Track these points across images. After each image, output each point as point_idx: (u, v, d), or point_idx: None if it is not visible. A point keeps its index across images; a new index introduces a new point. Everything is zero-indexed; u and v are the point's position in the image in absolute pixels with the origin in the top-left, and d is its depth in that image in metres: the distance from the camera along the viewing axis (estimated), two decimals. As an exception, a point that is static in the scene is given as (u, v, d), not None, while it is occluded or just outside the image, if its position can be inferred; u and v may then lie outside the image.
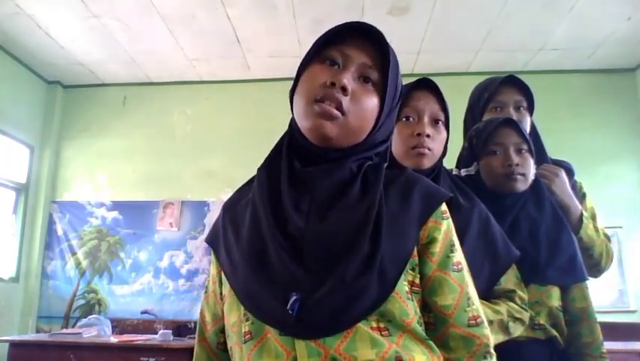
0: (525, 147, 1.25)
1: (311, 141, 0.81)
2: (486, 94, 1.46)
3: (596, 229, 1.42)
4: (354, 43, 0.85)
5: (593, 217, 1.47)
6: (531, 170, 1.26)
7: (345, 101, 0.78)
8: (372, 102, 0.81)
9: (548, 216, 1.26)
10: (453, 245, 0.82)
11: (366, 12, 3.85)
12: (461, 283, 0.80)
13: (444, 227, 0.82)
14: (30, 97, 4.78)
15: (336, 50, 0.84)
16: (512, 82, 1.46)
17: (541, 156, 1.45)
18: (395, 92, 0.86)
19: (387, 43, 0.84)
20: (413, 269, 0.79)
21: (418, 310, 0.78)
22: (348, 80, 0.79)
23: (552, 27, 4.04)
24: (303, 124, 0.81)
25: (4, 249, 4.47)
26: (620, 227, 4.27)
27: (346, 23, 0.87)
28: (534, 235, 1.22)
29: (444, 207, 0.83)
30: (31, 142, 4.77)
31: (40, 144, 4.86)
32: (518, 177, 1.22)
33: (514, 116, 1.41)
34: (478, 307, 0.81)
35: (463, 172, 1.29)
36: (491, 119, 1.30)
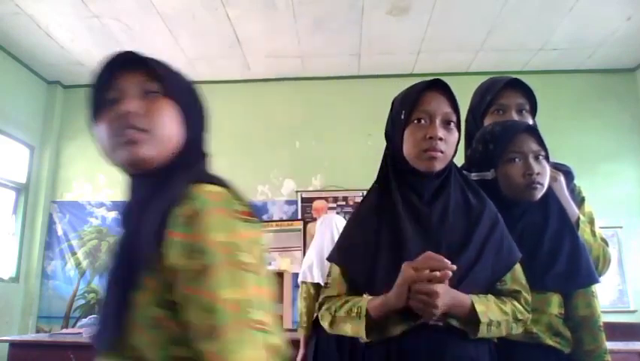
0: (543, 153, 1.25)
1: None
2: (488, 96, 1.45)
3: (593, 234, 1.41)
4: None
5: (591, 222, 1.46)
6: (548, 177, 1.26)
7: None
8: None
9: (554, 222, 1.25)
10: None
11: (366, 12, 3.85)
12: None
13: None
14: (30, 97, 4.78)
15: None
16: (515, 85, 1.44)
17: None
18: None
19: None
20: None
21: None
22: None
23: (552, 27, 4.04)
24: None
25: (4, 249, 4.47)
26: (620, 227, 4.27)
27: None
28: (538, 242, 1.22)
29: None
30: (31, 142, 4.77)
31: (40, 144, 4.86)
32: (538, 186, 1.22)
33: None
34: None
35: (474, 176, 1.28)
36: (509, 125, 1.30)
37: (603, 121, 4.56)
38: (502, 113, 1.43)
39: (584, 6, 3.73)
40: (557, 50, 4.38)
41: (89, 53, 4.48)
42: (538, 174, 1.22)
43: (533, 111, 1.46)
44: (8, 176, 4.51)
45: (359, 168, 4.63)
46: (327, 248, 2.93)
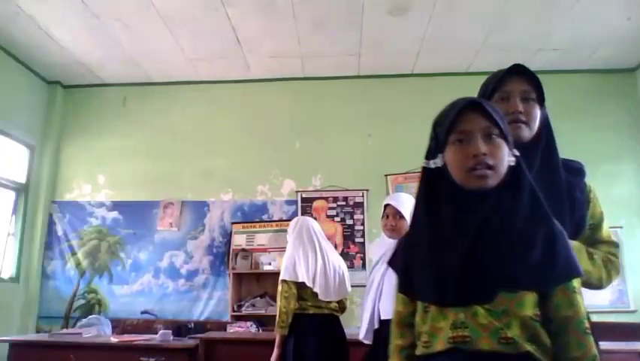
0: (495, 131, 1.06)
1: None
2: (491, 84, 1.37)
3: (591, 257, 1.32)
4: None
5: (599, 224, 1.40)
6: (504, 158, 1.06)
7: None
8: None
9: (525, 208, 1.05)
10: None
11: (367, 12, 3.85)
12: None
13: None
14: (30, 97, 4.78)
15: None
16: (519, 71, 1.35)
17: (552, 155, 1.37)
18: None
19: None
20: None
21: None
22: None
23: (552, 27, 4.04)
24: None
25: (4, 249, 4.47)
26: (620, 227, 4.27)
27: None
28: (505, 232, 1.03)
29: None
30: (31, 142, 4.77)
31: (40, 144, 4.86)
32: (487, 171, 1.04)
33: (521, 108, 1.31)
34: None
35: (433, 164, 1.12)
36: (453, 103, 1.12)
37: (603, 121, 4.56)
38: (506, 100, 1.34)
39: (584, 6, 3.73)
40: (557, 50, 4.37)
41: (89, 53, 4.49)
42: (485, 154, 1.03)
43: (541, 100, 1.36)
44: (8, 176, 4.51)
45: (359, 168, 4.64)
46: (309, 248, 2.97)
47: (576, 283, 1.04)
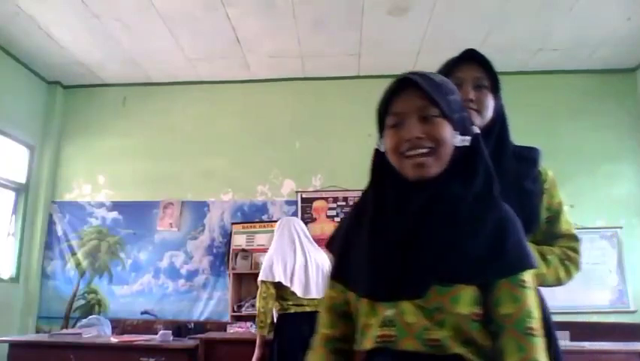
0: (434, 111, 0.91)
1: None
2: (444, 70, 1.32)
3: (544, 258, 1.24)
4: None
5: (557, 216, 1.29)
6: (445, 140, 0.91)
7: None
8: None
9: (475, 194, 0.92)
10: None
11: (366, 12, 3.85)
12: None
13: None
14: (30, 97, 4.78)
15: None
16: (473, 57, 1.30)
17: (504, 145, 1.28)
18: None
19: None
20: None
21: None
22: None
23: (552, 27, 4.04)
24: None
25: (4, 249, 4.47)
26: (620, 227, 4.27)
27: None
28: (447, 222, 0.89)
29: None
30: (31, 142, 4.77)
31: (40, 144, 4.86)
32: (426, 160, 0.90)
33: (472, 95, 1.24)
34: None
35: (382, 148, 1.03)
36: (391, 82, 0.99)
37: (603, 121, 4.56)
38: (457, 87, 1.19)
39: (584, 6, 3.73)
40: (557, 50, 4.37)
41: (89, 53, 4.49)
42: (419, 138, 0.90)
43: (495, 89, 1.29)
44: (8, 176, 4.51)
45: (359, 168, 4.60)
46: (288, 248, 3.02)
47: (527, 275, 0.88)
